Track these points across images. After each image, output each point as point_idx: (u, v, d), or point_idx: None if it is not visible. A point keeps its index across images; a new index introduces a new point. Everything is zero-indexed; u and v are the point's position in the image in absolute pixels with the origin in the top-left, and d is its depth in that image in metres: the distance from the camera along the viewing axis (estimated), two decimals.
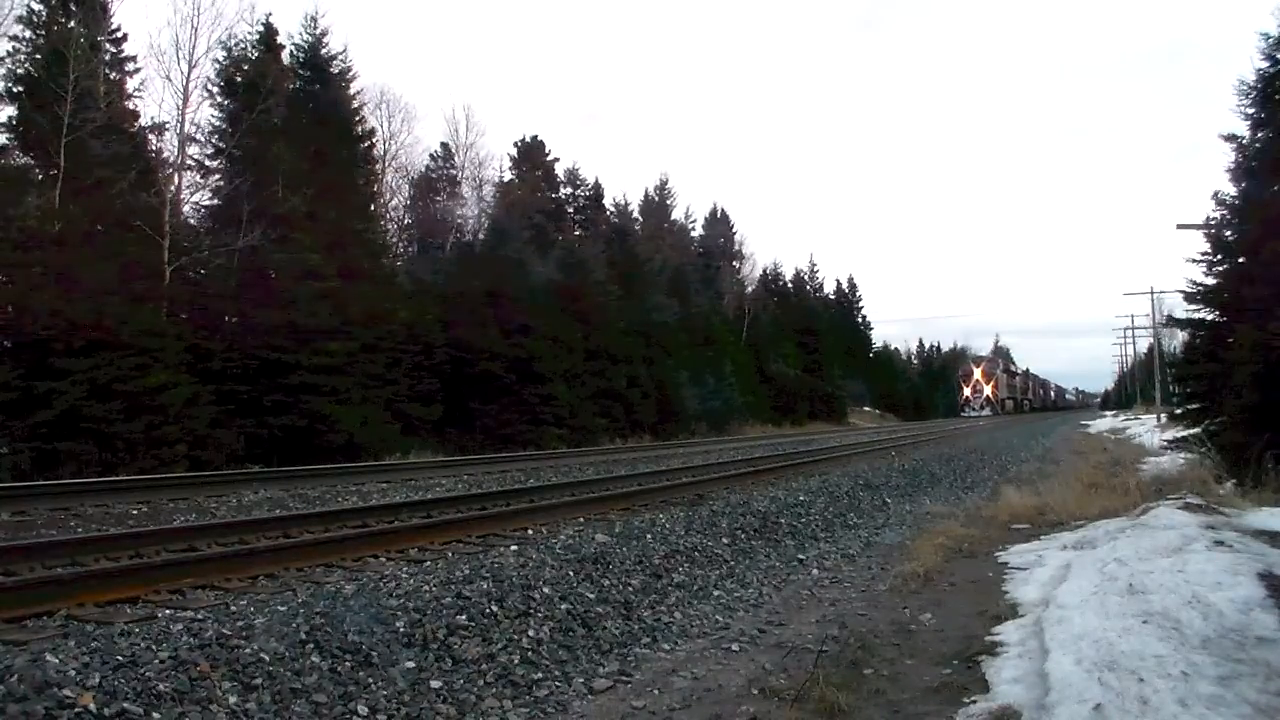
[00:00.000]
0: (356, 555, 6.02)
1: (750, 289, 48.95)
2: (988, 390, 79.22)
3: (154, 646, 3.56)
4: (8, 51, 17.13)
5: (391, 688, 3.76)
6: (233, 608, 4.34)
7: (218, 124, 20.36)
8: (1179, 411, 18.89)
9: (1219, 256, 13.74)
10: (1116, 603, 4.22)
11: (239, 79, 20.27)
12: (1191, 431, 13.61)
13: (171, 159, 19.84)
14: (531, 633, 4.55)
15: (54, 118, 15.90)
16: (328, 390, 18.10)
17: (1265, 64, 11.85)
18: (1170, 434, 19.02)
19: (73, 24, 17.60)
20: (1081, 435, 31.09)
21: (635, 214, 43.64)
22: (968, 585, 6.12)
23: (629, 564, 5.91)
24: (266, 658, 3.62)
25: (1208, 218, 14.23)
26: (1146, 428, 29.59)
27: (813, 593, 6.25)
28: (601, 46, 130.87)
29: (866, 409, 56.29)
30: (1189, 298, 14.52)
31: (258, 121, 19.40)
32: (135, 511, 7.44)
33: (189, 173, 20.39)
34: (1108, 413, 69.90)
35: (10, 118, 16.84)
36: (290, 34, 23.53)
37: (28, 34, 17.40)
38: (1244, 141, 12.62)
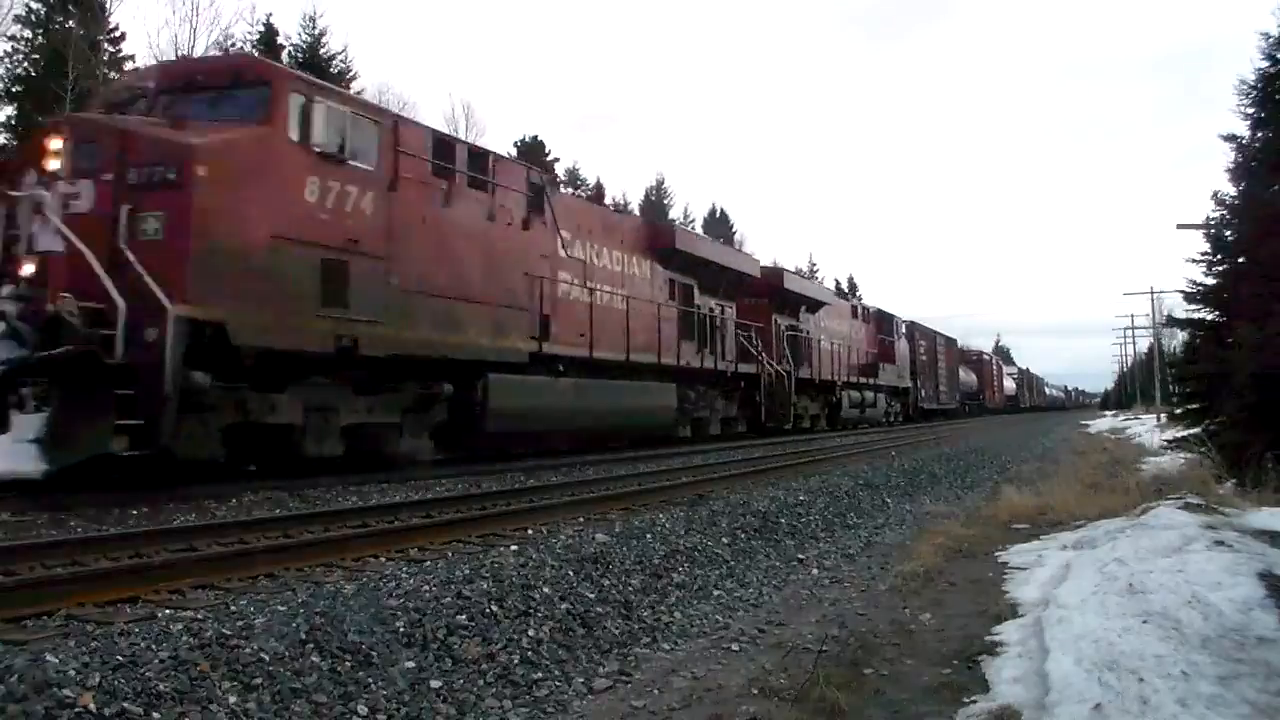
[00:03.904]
0: (356, 555, 6.01)
1: None
2: None
3: (154, 646, 3.56)
4: (7, 52, 17.17)
5: (391, 687, 3.76)
6: (233, 608, 4.34)
7: None
8: (1179, 411, 18.90)
9: (1219, 256, 13.75)
10: (1116, 602, 4.22)
11: None
12: (1191, 431, 13.61)
13: None
14: (531, 632, 4.55)
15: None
16: None
17: (1265, 64, 11.87)
18: (1170, 434, 19.02)
19: (71, 24, 17.62)
20: (1081, 435, 31.09)
21: (635, 213, 43.71)
22: (968, 585, 6.12)
23: (629, 564, 5.91)
24: (266, 657, 3.62)
25: (1207, 218, 14.25)
26: (1146, 428, 29.58)
27: (812, 592, 6.25)
28: (601, 46, 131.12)
29: None
30: (1189, 298, 14.54)
31: None
32: (135, 511, 7.43)
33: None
34: (1108, 412, 69.74)
35: (10, 118, 16.88)
36: (289, 34, 23.56)
37: (27, 34, 17.45)
38: (1244, 141, 12.64)
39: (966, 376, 51.29)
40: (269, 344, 8.54)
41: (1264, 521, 6.22)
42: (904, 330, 36.34)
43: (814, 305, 25.50)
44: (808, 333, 24.43)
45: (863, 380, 29.31)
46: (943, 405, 43.33)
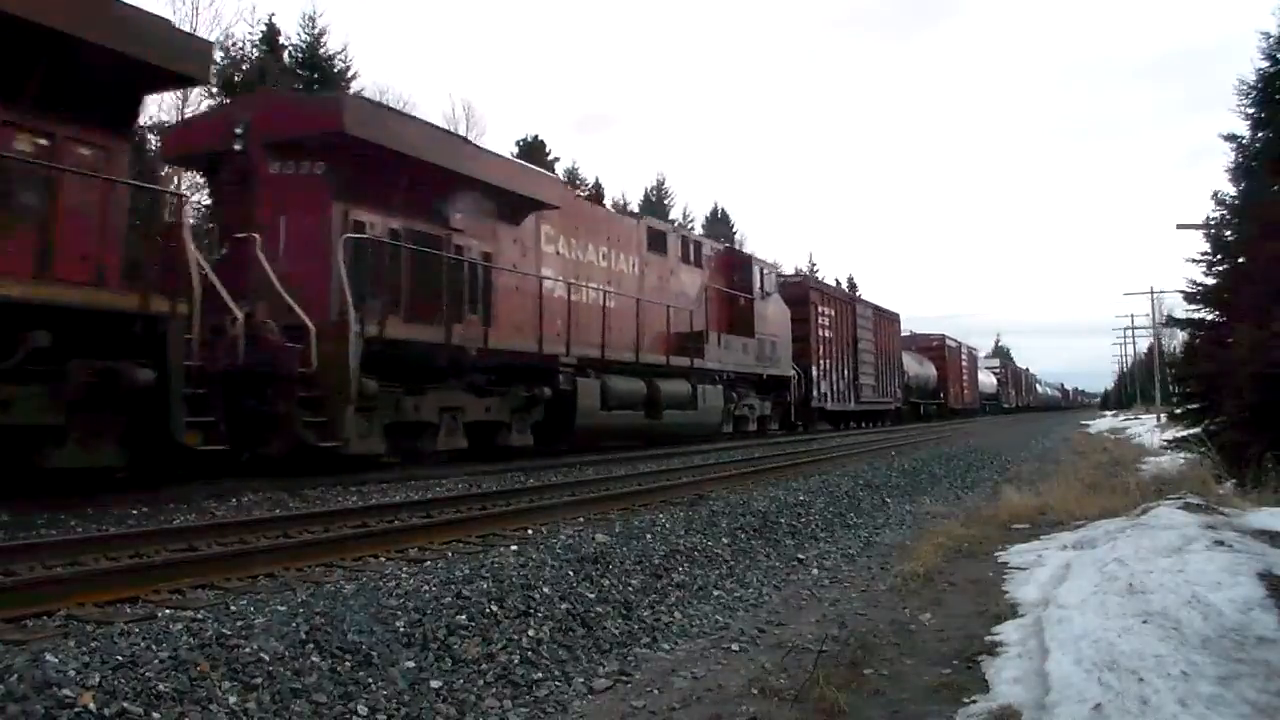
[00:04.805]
0: (356, 555, 6.02)
1: None
2: None
3: (154, 646, 3.56)
4: None
5: (391, 687, 3.76)
6: (232, 607, 4.34)
7: None
8: (1179, 411, 18.92)
9: (1219, 256, 13.79)
10: (1116, 602, 4.22)
11: (238, 79, 20.31)
12: (1191, 431, 13.62)
13: None
14: (531, 632, 4.55)
15: None
16: None
17: (1265, 64, 11.89)
18: (1170, 434, 19.03)
19: None
20: (1081, 435, 31.09)
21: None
22: (967, 585, 6.12)
23: (629, 564, 5.91)
24: (266, 657, 3.62)
25: (1207, 218, 14.30)
26: (1146, 428, 29.59)
27: (812, 592, 6.24)
28: (601, 46, 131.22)
29: None
30: (1189, 298, 14.57)
31: None
32: (135, 511, 7.43)
33: (189, 172, 20.39)
34: (1108, 412, 69.74)
35: None
36: (289, 35, 23.56)
37: None
38: (1244, 141, 12.67)
39: (919, 368, 39.52)
40: None
41: (1264, 521, 6.21)
42: (776, 285, 22.41)
43: (510, 205, 12.75)
44: (484, 255, 12.38)
45: (662, 361, 15.93)
46: (866, 405, 30.12)
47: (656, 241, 17.37)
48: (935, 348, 44.07)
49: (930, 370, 41.47)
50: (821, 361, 25.58)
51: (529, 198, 13.09)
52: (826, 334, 26.35)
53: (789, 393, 22.51)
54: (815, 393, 24.78)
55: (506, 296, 12.79)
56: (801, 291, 25.10)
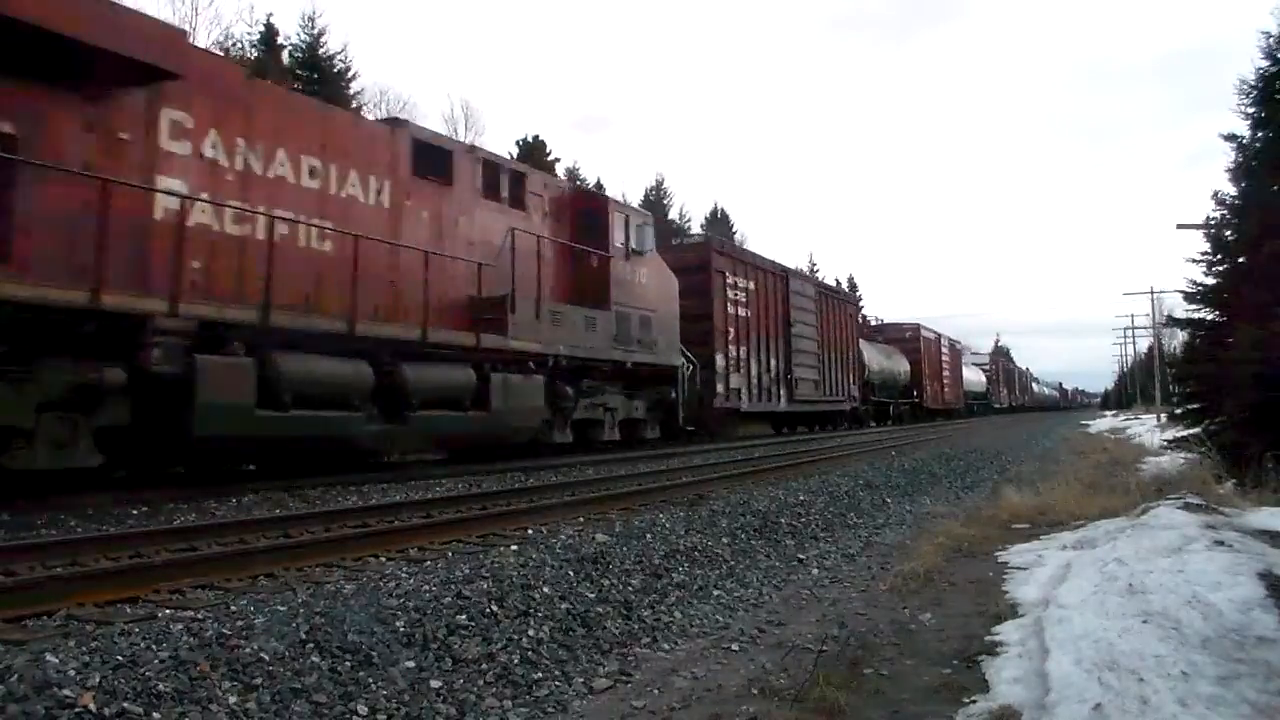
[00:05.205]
0: (356, 555, 6.02)
1: None
2: None
3: (154, 646, 3.56)
4: None
5: (391, 687, 3.76)
6: (233, 607, 4.34)
7: None
8: (1179, 411, 18.94)
9: (1219, 256, 13.79)
10: (1116, 602, 4.23)
11: None
12: (1191, 431, 13.64)
13: None
14: (531, 632, 4.55)
15: None
16: None
17: (1265, 63, 11.89)
18: (1170, 434, 19.04)
19: None
20: (1081, 435, 31.10)
21: None
22: (967, 585, 6.12)
23: (629, 564, 5.92)
24: (266, 657, 3.62)
25: (1208, 218, 14.29)
26: (1146, 428, 29.62)
27: (812, 592, 6.25)
28: (602, 46, 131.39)
29: None
30: (1189, 298, 14.57)
31: None
32: (135, 512, 7.43)
33: None
34: (1108, 412, 69.87)
35: None
36: (289, 35, 23.56)
37: None
38: (1244, 141, 12.66)
39: (885, 361, 33.90)
40: None
41: (1264, 521, 6.23)
42: (652, 242, 16.00)
43: (78, 65, 7.48)
44: None
45: (414, 337, 10.59)
46: (804, 405, 24.38)
47: (432, 163, 11.68)
48: (909, 339, 38.26)
49: (901, 364, 35.83)
50: (733, 349, 19.94)
51: (119, 54, 7.67)
52: (741, 313, 20.58)
53: (676, 389, 16.60)
54: (722, 388, 19.21)
55: (51, 211, 7.55)
56: (701, 255, 19.21)
